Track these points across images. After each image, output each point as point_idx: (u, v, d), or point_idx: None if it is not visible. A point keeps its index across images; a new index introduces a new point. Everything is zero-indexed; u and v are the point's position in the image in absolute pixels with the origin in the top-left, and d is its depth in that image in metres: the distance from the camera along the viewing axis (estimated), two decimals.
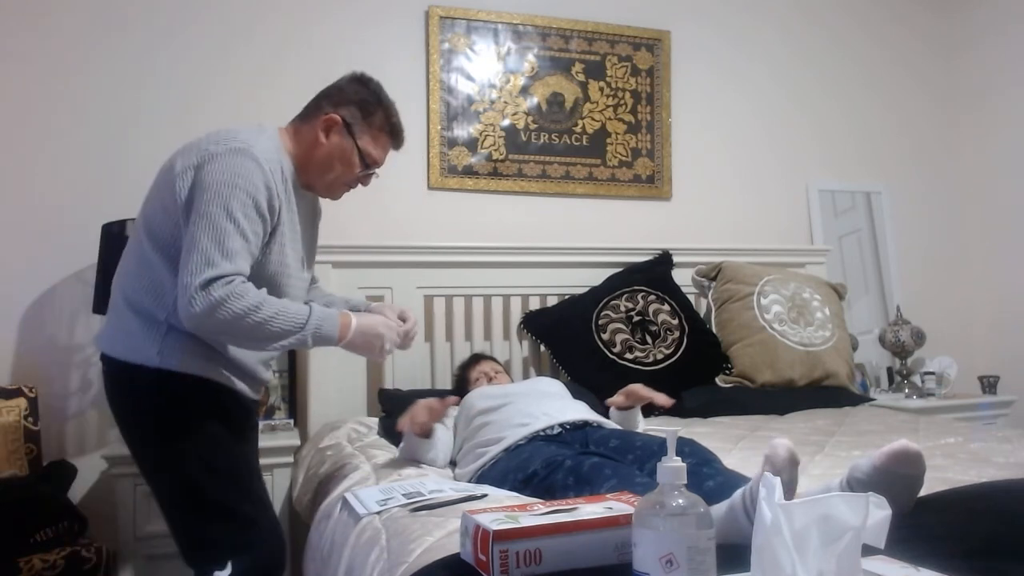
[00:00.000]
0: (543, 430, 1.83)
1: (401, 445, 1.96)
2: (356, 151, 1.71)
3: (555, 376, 2.60)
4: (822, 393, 2.82)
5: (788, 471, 1.17)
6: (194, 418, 1.58)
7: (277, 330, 1.51)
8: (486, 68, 3.09)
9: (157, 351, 1.54)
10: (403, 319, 1.80)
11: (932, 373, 3.27)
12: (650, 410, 2.31)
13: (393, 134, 1.77)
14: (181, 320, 1.49)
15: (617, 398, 2.07)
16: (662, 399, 2.04)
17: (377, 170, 1.80)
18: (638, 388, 2.06)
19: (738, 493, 1.18)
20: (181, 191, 1.53)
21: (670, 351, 2.77)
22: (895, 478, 1.22)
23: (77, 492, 2.43)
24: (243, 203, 1.51)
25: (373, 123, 1.73)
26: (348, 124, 1.70)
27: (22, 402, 2.36)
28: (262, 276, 1.59)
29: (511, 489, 1.60)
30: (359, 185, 1.80)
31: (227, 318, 1.46)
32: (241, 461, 1.66)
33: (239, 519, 1.59)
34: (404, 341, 1.77)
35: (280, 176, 1.61)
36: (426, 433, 1.90)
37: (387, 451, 2.04)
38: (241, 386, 1.67)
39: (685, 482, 0.90)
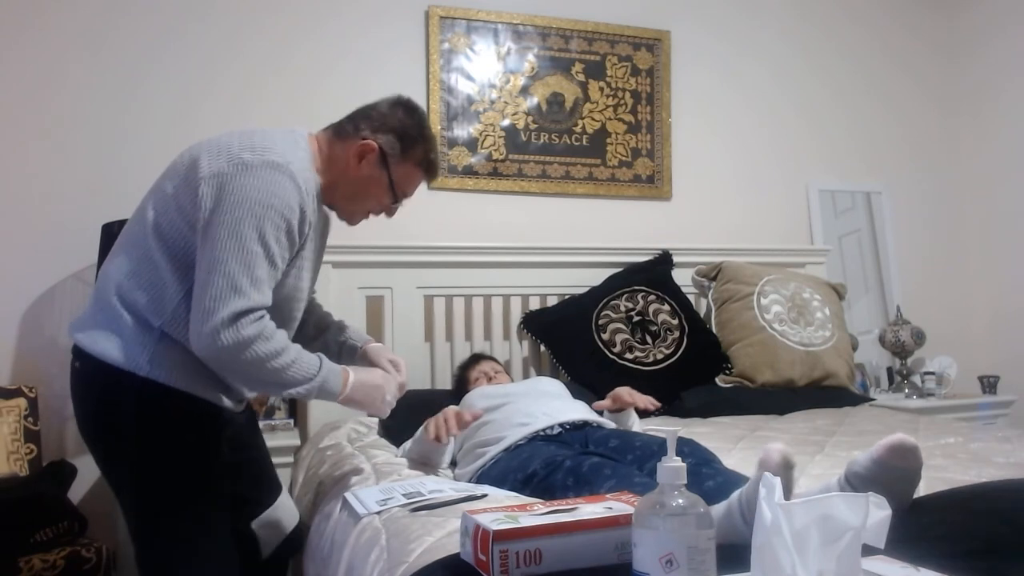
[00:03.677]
0: (543, 430, 1.83)
1: (407, 445, 1.95)
2: (388, 183, 1.61)
3: (555, 376, 2.60)
4: (822, 393, 2.81)
5: (782, 476, 1.17)
6: (175, 436, 1.48)
7: (288, 379, 1.45)
8: (486, 68, 3.09)
9: (148, 359, 1.44)
10: (394, 366, 1.71)
11: (932, 373, 3.27)
12: (645, 411, 2.30)
13: (429, 170, 1.66)
14: (194, 347, 1.40)
15: (604, 402, 2.05)
16: (646, 402, 2.02)
17: (404, 202, 1.70)
18: (623, 393, 2.03)
19: (735, 495, 1.18)
20: (206, 197, 1.41)
21: (670, 351, 2.77)
22: (893, 471, 1.22)
23: (77, 492, 2.42)
24: (276, 225, 1.42)
25: (411, 156, 1.61)
26: (385, 154, 1.59)
27: (22, 402, 2.36)
28: (274, 300, 1.48)
29: (511, 489, 1.60)
30: (383, 215, 1.70)
31: (250, 359, 1.39)
32: (215, 486, 1.54)
33: (208, 557, 1.51)
34: (398, 391, 1.69)
35: (313, 195, 1.52)
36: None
37: (387, 451, 2.04)
38: (227, 403, 1.56)
39: (685, 482, 0.90)
